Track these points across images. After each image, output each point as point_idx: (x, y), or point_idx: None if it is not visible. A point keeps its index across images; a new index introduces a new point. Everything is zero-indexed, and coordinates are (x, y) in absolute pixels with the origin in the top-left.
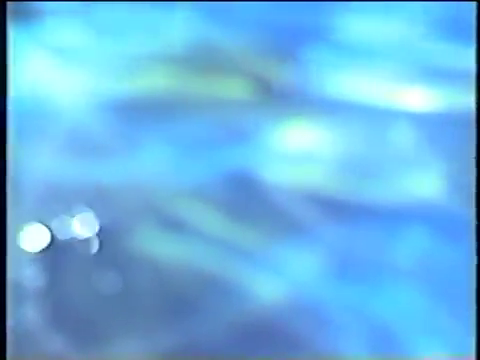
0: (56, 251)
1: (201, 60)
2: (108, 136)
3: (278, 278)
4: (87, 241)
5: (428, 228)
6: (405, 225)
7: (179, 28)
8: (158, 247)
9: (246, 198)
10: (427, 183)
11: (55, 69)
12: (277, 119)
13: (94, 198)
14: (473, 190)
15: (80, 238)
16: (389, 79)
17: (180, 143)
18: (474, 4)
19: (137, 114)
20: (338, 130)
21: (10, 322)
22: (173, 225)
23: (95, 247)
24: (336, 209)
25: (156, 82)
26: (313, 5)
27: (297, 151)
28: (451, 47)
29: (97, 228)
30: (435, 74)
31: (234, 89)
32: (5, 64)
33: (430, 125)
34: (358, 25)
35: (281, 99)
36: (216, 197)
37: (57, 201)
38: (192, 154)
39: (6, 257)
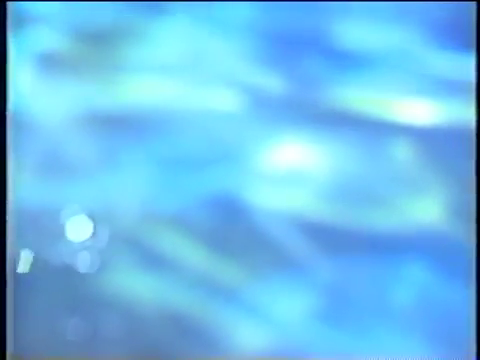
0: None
1: (188, 70)
2: (78, 155)
3: (264, 322)
4: (47, 277)
5: (430, 262)
6: (406, 258)
7: (167, 37)
8: (130, 285)
9: (231, 227)
10: (430, 208)
11: (36, 77)
12: (267, 135)
13: (59, 226)
14: (474, 216)
15: (39, 274)
16: (387, 91)
17: (159, 162)
18: (474, 4)
19: (113, 129)
20: (333, 148)
21: None
22: (148, 259)
23: (57, 284)
24: (331, 240)
25: (136, 94)
26: (308, 12)
27: (289, 173)
28: (453, 55)
29: (60, 262)
30: (435, 85)
31: (221, 101)
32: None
33: (432, 142)
34: (353, 33)
35: (272, 113)
36: (197, 226)
37: (17, 231)
38: (173, 176)
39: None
